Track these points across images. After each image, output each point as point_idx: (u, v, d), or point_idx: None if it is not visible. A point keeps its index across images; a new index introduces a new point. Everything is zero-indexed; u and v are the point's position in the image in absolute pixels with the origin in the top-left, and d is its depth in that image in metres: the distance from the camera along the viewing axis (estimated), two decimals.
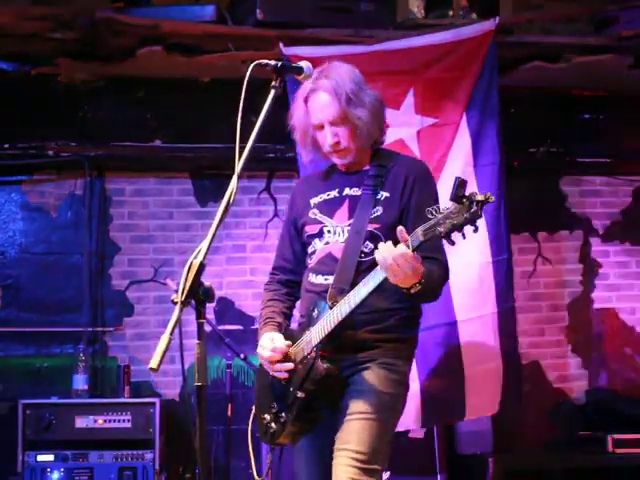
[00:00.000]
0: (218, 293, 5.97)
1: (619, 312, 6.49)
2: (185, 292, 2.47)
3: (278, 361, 3.34)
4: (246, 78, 2.73)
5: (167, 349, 2.41)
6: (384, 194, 3.38)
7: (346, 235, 3.35)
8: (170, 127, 6.05)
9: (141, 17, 5.17)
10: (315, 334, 3.25)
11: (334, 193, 3.48)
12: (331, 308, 3.21)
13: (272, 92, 2.79)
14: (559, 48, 5.66)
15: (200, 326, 2.51)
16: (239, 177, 2.67)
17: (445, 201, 3.04)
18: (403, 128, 5.16)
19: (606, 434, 5.57)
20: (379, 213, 3.34)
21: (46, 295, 5.94)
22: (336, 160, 3.49)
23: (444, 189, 5.07)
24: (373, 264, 3.14)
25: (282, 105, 4.95)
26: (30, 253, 5.99)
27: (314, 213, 3.47)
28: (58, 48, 5.45)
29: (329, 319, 3.20)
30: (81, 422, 5.29)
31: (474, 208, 2.80)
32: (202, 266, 2.49)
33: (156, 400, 5.37)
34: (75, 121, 5.95)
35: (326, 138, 3.40)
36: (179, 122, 6.03)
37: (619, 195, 6.58)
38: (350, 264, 3.28)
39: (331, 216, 3.43)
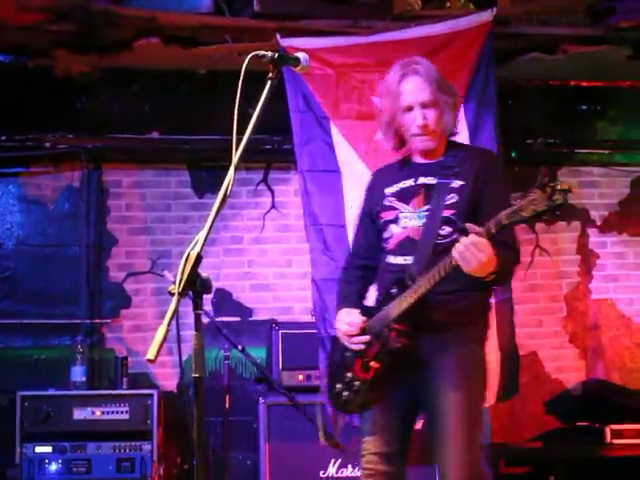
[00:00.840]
0: (215, 284, 5.87)
1: (616, 303, 6.50)
2: (182, 283, 2.47)
3: (355, 334, 3.58)
4: (243, 69, 2.72)
5: (164, 340, 2.41)
6: (458, 182, 3.55)
7: (423, 220, 3.55)
8: (167, 119, 6.04)
9: (138, 9, 5.16)
10: (392, 309, 3.48)
11: (409, 182, 3.66)
12: (409, 286, 3.42)
13: (269, 83, 2.78)
14: (557, 39, 5.66)
15: (197, 317, 2.51)
16: (236, 169, 2.67)
17: None
18: None
19: (604, 425, 5.57)
20: (454, 200, 3.52)
21: (43, 287, 5.94)
22: (418, 144, 3.63)
23: None
24: (449, 247, 3.32)
25: (279, 97, 5.01)
26: (27, 245, 5.99)
27: (389, 201, 3.67)
28: (55, 40, 5.44)
29: (407, 296, 3.42)
30: (79, 414, 5.29)
31: (557, 196, 2.95)
32: (199, 257, 2.49)
33: (154, 392, 5.37)
34: (72, 113, 5.94)
35: (414, 120, 3.57)
36: (176, 114, 6.02)
37: (616, 186, 6.58)
38: (428, 246, 3.48)
39: (407, 203, 3.62)
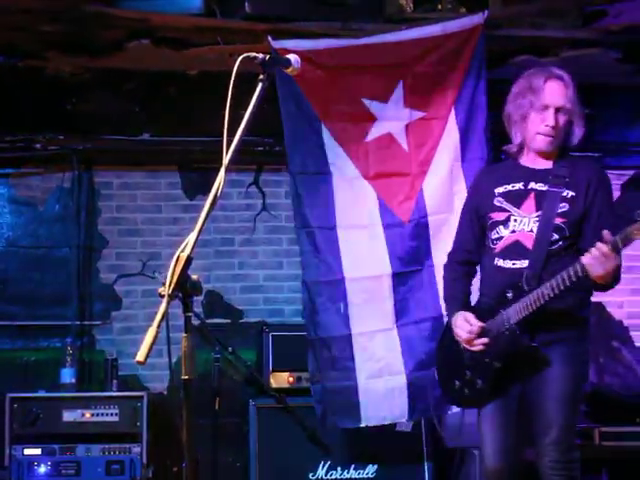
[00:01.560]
0: (206, 287, 5.96)
1: (607, 306, 6.50)
2: (172, 285, 2.46)
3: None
4: (234, 71, 2.72)
5: (154, 342, 2.40)
6: (570, 192, 3.79)
7: (532, 225, 3.79)
8: (158, 120, 6.04)
9: (130, 10, 5.14)
10: (513, 313, 3.74)
11: (519, 185, 3.87)
12: (528, 291, 3.68)
13: (260, 85, 2.77)
14: (548, 42, 5.66)
15: (187, 319, 2.51)
16: (227, 170, 2.66)
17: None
18: (392, 122, 5.17)
19: (594, 427, 5.58)
20: (566, 209, 3.77)
21: (34, 289, 5.93)
22: (539, 142, 3.84)
23: (433, 183, 5.16)
24: (560, 252, 3.74)
25: (271, 99, 5.00)
26: (17, 246, 5.97)
27: (499, 201, 3.88)
28: (46, 41, 5.42)
29: (530, 300, 3.67)
30: (68, 416, 5.28)
31: None
32: (189, 259, 2.48)
33: (144, 394, 5.37)
34: (63, 114, 5.93)
35: (546, 120, 3.79)
36: (167, 115, 6.02)
37: None
38: (541, 252, 3.73)
39: (518, 206, 3.84)
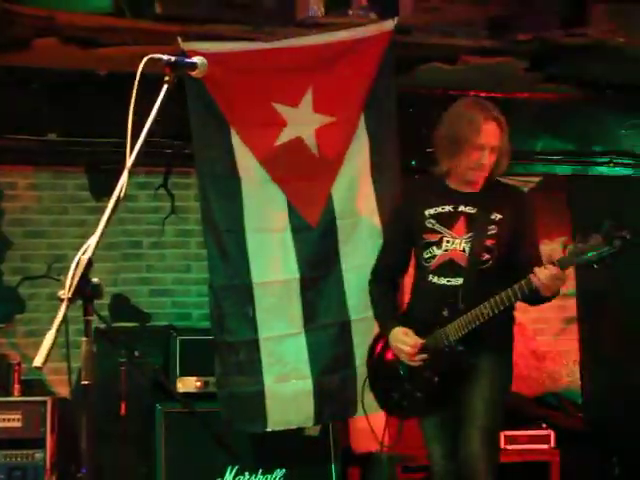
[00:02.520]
0: (113, 290, 5.90)
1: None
2: (72, 288, 2.42)
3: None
4: (138, 73, 2.68)
5: (53, 346, 2.36)
6: (497, 215, 4.03)
7: (464, 245, 4.01)
8: (66, 120, 5.92)
9: (35, 7, 5.05)
10: (453, 330, 3.94)
11: (449, 207, 4.09)
12: (464, 308, 3.89)
13: (164, 87, 2.74)
14: (457, 50, 5.72)
15: (87, 323, 2.47)
16: (132, 173, 2.63)
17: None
18: (302, 126, 5.17)
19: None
20: (495, 231, 4.01)
21: None
22: (470, 176, 4.05)
23: (342, 187, 5.18)
24: (491, 270, 3.97)
25: (180, 101, 4.97)
26: None
27: (431, 223, 4.08)
28: None
29: (469, 318, 3.88)
30: None
31: (617, 243, 3.63)
32: (90, 262, 2.44)
33: (47, 399, 5.28)
34: None
35: (480, 158, 3.99)
36: (75, 115, 5.91)
37: None
38: (473, 272, 3.96)
39: (449, 228, 4.05)
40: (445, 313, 3.97)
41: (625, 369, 6.43)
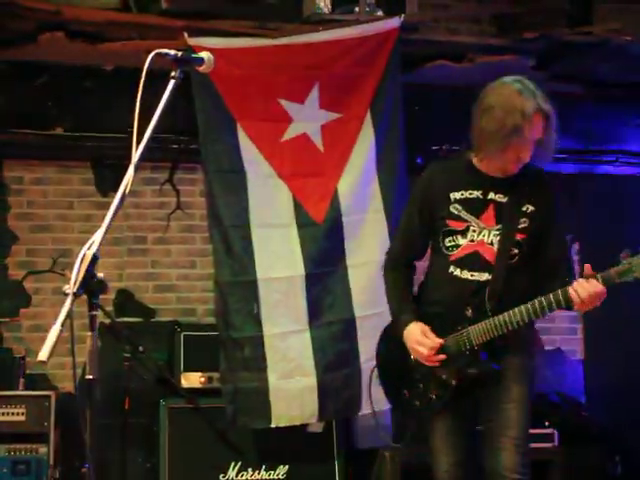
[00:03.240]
0: (118, 285, 5.89)
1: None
2: (77, 283, 2.43)
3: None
4: (145, 68, 2.68)
5: (57, 341, 2.36)
6: (530, 207, 3.69)
7: (492, 238, 3.67)
8: (72, 115, 5.93)
9: (42, 1, 5.06)
10: (476, 334, 3.63)
11: (477, 193, 3.71)
12: (491, 310, 3.59)
13: (171, 82, 2.74)
14: (463, 48, 5.73)
15: (92, 318, 2.47)
16: (137, 168, 2.63)
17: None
18: (308, 122, 5.19)
19: None
20: (526, 225, 3.68)
21: None
22: (509, 166, 3.67)
23: (348, 183, 5.18)
24: (519, 267, 3.66)
25: (187, 96, 4.97)
26: None
27: (457, 209, 3.71)
28: None
29: (496, 323, 3.58)
30: None
31: None
32: (95, 257, 2.44)
33: (51, 393, 5.27)
34: None
35: (523, 153, 3.62)
36: (81, 110, 5.92)
37: None
38: (502, 268, 3.64)
39: (477, 217, 3.69)
40: (469, 313, 3.66)
41: (629, 368, 6.43)
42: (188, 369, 5.48)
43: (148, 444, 5.58)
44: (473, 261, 3.68)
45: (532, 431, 5.54)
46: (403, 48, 5.14)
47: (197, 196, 6.05)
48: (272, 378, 5.06)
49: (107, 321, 5.45)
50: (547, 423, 5.73)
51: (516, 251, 3.67)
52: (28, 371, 5.56)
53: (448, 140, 6.26)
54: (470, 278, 3.68)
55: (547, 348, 6.61)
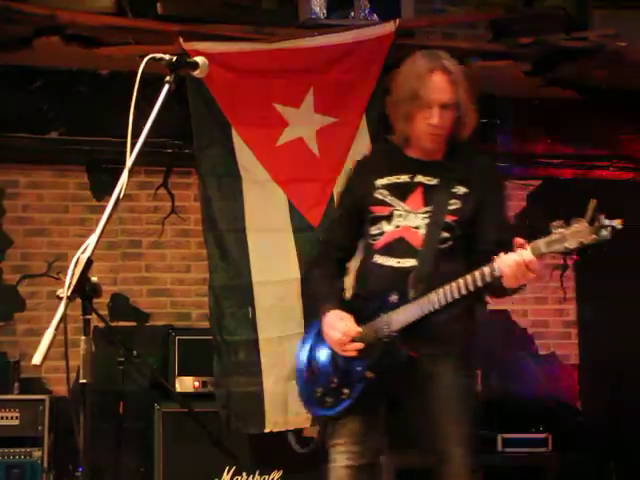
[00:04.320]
0: (112, 289, 5.89)
1: (511, 314, 6.61)
2: (71, 287, 2.43)
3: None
4: (139, 72, 2.68)
5: (51, 345, 2.36)
6: (461, 188, 3.40)
7: (419, 222, 3.38)
8: (67, 119, 5.93)
9: (37, 6, 5.06)
10: (396, 319, 3.30)
11: (405, 177, 3.45)
12: (415, 296, 3.27)
13: (166, 87, 2.74)
14: (459, 53, 5.71)
15: (86, 322, 2.47)
16: (132, 172, 2.63)
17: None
18: (303, 127, 5.19)
19: (496, 433, 5.66)
20: (457, 206, 3.38)
21: None
22: (424, 142, 3.43)
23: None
24: (450, 252, 3.34)
25: (181, 100, 4.97)
26: None
27: (382, 194, 3.45)
28: None
29: (417, 307, 3.26)
30: None
31: (604, 232, 2.90)
32: (89, 261, 2.45)
33: (45, 397, 5.27)
34: None
35: (430, 118, 3.34)
36: (76, 114, 5.92)
37: (514, 199, 6.69)
38: (430, 253, 3.33)
39: (403, 200, 3.42)
40: (393, 299, 3.33)
41: (624, 373, 6.43)
42: (182, 373, 5.48)
43: (142, 448, 5.58)
44: (398, 248, 3.39)
45: (527, 436, 5.64)
46: (398, 53, 5.13)
47: (192, 200, 6.05)
48: (267, 382, 5.06)
49: (101, 325, 5.45)
50: (541, 428, 5.73)
51: (446, 235, 3.37)
52: (23, 375, 5.55)
53: None
54: (395, 265, 3.38)
55: (541, 353, 6.62)
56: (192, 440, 5.28)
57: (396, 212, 3.42)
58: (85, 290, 2.46)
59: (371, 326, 3.37)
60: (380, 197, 3.45)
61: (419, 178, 3.44)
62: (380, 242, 3.44)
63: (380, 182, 3.47)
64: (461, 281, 3.18)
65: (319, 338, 3.56)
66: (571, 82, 6.15)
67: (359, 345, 3.36)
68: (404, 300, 3.31)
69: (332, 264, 3.64)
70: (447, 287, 3.21)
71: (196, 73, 2.90)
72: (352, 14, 5.50)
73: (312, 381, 3.56)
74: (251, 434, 5.22)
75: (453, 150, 3.49)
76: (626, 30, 5.67)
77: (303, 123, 5.18)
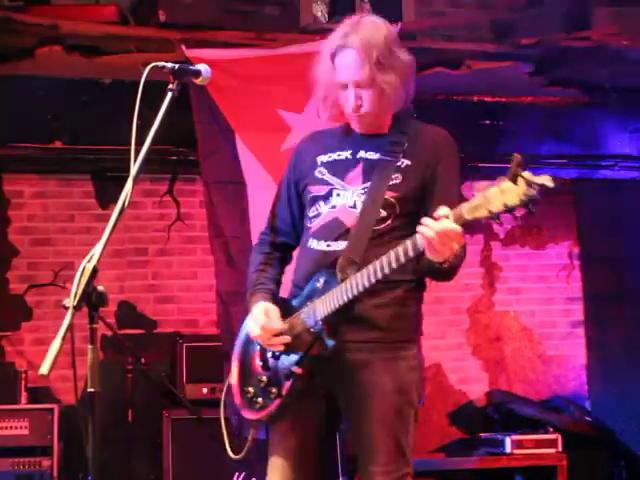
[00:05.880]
0: (119, 297, 5.90)
1: (519, 315, 6.61)
2: (77, 297, 2.43)
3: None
4: (142, 80, 2.69)
5: (58, 355, 2.36)
6: (405, 162, 3.10)
7: (356, 199, 3.10)
8: (71, 128, 5.95)
9: (39, 16, 5.07)
10: (321, 306, 3.02)
11: (346, 154, 3.19)
12: (342, 280, 2.97)
13: (169, 95, 2.75)
14: (460, 55, 5.73)
15: (93, 331, 2.48)
16: (136, 180, 2.64)
17: None
18: (306, 132, 5.17)
19: (505, 435, 5.66)
20: (399, 181, 3.08)
21: None
22: (354, 123, 3.20)
23: None
24: (388, 233, 3.04)
25: (185, 107, 4.98)
26: None
27: (321, 172, 3.19)
28: None
29: (340, 292, 2.96)
30: None
31: (531, 191, 2.52)
32: (95, 270, 2.45)
33: (54, 406, 5.27)
34: None
35: (348, 100, 3.11)
36: (80, 123, 5.93)
37: None
38: (363, 233, 3.04)
39: (342, 178, 3.15)
40: (319, 284, 3.04)
41: (632, 372, 6.42)
42: (191, 380, 5.49)
43: (152, 456, 5.58)
44: (331, 230, 3.10)
45: (536, 437, 5.63)
46: None
47: (197, 207, 6.06)
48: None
49: (109, 333, 5.46)
50: (550, 429, 5.73)
51: (385, 214, 3.05)
52: (30, 385, 5.55)
53: None
54: (326, 249, 3.10)
55: (549, 353, 6.62)
56: (202, 447, 5.28)
57: (335, 191, 3.15)
58: (91, 299, 2.46)
59: (299, 316, 3.10)
60: (319, 175, 3.19)
61: (361, 154, 3.16)
62: (315, 224, 3.18)
63: (321, 159, 3.22)
64: (384, 258, 2.85)
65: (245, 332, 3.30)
66: (574, 82, 6.15)
67: (285, 339, 3.06)
68: (330, 285, 3.01)
69: (270, 251, 3.35)
70: (370, 267, 2.89)
71: (199, 80, 2.90)
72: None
73: (243, 380, 3.27)
74: (262, 440, 5.20)
75: (399, 122, 3.21)
76: (628, 28, 5.67)
77: (307, 128, 5.15)
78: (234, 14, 5.33)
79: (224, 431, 3.46)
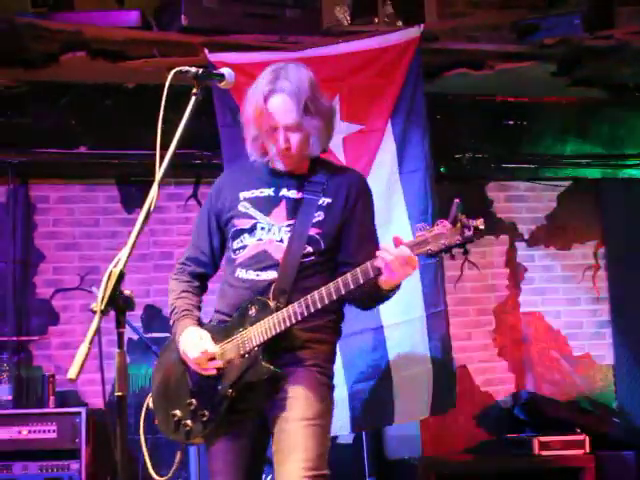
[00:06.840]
0: (145, 301, 5.92)
1: (545, 315, 6.59)
2: (105, 301, 2.45)
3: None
4: (166, 85, 2.71)
5: (86, 359, 2.38)
6: (326, 200, 3.39)
7: (283, 235, 3.34)
8: (95, 133, 5.97)
9: (63, 22, 5.10)
10: (257, 333, 3.24)
11: (268, 191, 3.43)
12: (277, 309, 3.22)
13: (193, 99, 2.77)
14: (483, 55, 5.71)
15: (120, 335, 2.49)
16: (161, 184, 2.66)
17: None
18: None
19: (532, 436, 5.64)
20: (321, 218, 3.36)
21: None
22: (279, 164, 3.44)
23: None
24: (314, 267, 3.31)
25: (209, 111, 4.99)
26: None
27: (245, 207, 3.42)
28: None
29: (278, 319, 3.21)
30: (4, 433, 5.20)
31: (468, 233, 2.96)
32: (122, 274, 2.47)
33: (82, 410, 5.30)
34: None
35: (277, 142, 3.36)
36: (104, 128, 5.96)
37: (543, 200, 6.69)
38: (292, 266, 3.29)
39: (266, 214, 3.39)
40: (252, 312, 3.27)
41: None
42: None
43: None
44: (260, 260, 3.34)
45: (563, 438, 5.60)
46: (423, 57, 5.14)
47: None
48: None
49: (136, 337, 5.48)
50: (578, 430, 5.70)
51: (310, 249, 3.32)
52: (58, 388, 5.59)
53: (470, 149, 6.27)
54: (256, 279, 3.33)
55: (576, 354, 6.59)
56: None
57: (259, 225, 3.39)
58: (118, 303, 2.48)
59: (232, 342, 3.31)
60: (243, 210, 3.42)
61: (283, 192, 3.42)
62: (242, 256, 3.40)
63: (243, 195, 3.45)
64: (328, 288, 3.15)
65: (171, 355, 3.47)
66: (597, 81, 6.12)
67: (219, 363, 3.30)
68: (264, 313, 3.25)
69: (191, 280, 3.57)
70: (310, 297, 3.17)
71: (222, 84, 2.93)
72: (376, 20, 5.49)
73: (168, 405, 3.44)
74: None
75: (316, 163, 3.49)
76: None
77: None
78: (256, 18, 5.33)
79: (144, 452, 3.61)
